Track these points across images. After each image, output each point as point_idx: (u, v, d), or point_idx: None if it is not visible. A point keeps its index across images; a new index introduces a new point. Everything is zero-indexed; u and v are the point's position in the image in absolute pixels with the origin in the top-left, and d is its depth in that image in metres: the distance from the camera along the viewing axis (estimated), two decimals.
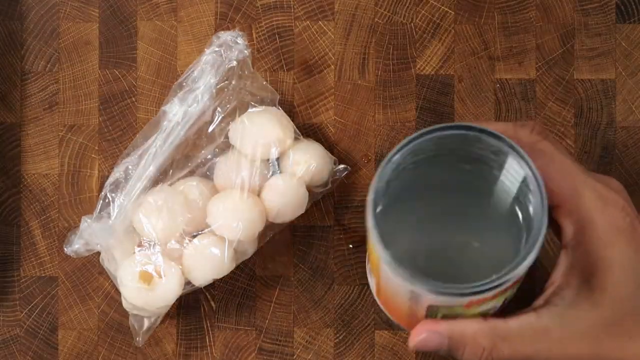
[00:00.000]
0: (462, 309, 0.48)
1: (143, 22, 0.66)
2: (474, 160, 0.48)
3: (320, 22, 0.66)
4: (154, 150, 0.61)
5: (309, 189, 0.63)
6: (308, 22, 0.66)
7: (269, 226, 0.63)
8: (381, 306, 0.56)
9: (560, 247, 0.51)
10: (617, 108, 0.65)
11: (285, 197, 0.62)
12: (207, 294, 0.65)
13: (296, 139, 0.63)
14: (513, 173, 0.47)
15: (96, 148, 0.65)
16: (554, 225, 0.50)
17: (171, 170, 0.62)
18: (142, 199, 0.61)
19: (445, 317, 0.49)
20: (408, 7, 0.66)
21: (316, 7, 0.66)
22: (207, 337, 0.65)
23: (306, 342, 0.65)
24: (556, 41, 0.65)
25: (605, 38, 0.65)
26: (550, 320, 0.48)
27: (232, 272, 0.62)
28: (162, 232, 0.60)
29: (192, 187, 0.62)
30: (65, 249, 0.61)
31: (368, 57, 0.65)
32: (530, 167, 0.47)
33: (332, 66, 0.66)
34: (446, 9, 0.66)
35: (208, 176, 0.63)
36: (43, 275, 0.65)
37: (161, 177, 0.62)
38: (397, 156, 0.47)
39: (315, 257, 0.65)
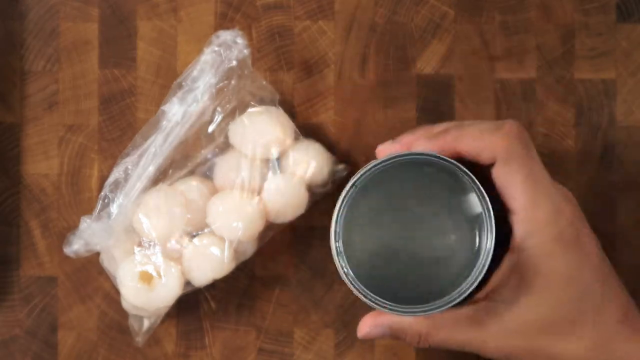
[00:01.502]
0: None
1: (143, 21, 0.66)
2: (438, 173, 0.52)
3: (320, 22, 0.66)
4: (154, 150, 0.61)
5: (309, 189, 0.63)
6: (308, 22, 0.66)
7: (269, 226, 0.62)
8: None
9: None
10: (617, 108, 0.65)
11: (285, 197, 0.62)
12: (207, 294, 0.65)
13: (296, 139, 0.63)
14: (472, 204, 0.51)
15: (96, 148, 0.65)
16: (507, 227, 0.54)
17: (171, 170, 0.62)
18: (141, 198, 0.61)
19: None
20: (408, 7, 0.65)
21: (316, 7, 0.66)
22: (206, 337, 0.65)
23: (306, 342, 0.65)
24: (556, 41, 0.65)
25: (605, 38, 0.65)
26: (486, 314, 0.53)
27: (232, 272, 0.62)
28: (161, 232, 0.60)
29: (191, 187, 0.62)
30: (64, 249, 0.61)
31: (368, 57, 0.65)
32: (486, 208, 0.51)
33: (332, 66, 0.65)
34: (446, 8, 0.65)
35: (208, 176, 0.63)
36: (43, 275, 0.65)
37: (161, 177, 0.62)
38: (358, 182, 0.52)
39: (315, 257, 0.65)
